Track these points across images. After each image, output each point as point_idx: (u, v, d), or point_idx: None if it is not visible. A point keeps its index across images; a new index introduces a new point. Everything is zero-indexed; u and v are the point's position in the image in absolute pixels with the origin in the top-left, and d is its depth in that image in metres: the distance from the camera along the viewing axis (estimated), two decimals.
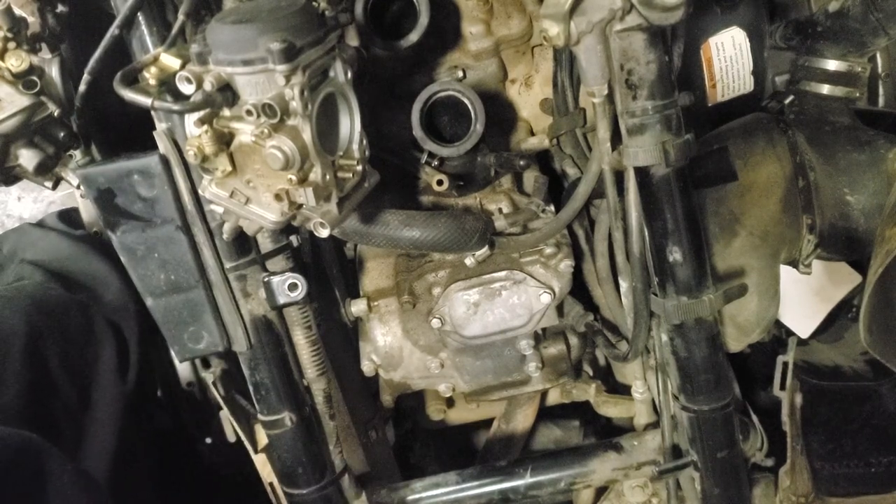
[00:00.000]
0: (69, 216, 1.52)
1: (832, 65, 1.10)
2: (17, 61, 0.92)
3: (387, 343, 1.16)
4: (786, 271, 1.10)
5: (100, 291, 1.29)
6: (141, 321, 1.26)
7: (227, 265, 0.93)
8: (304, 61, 0.75)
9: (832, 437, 1.24)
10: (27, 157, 0.96)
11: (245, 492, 1.24)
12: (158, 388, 1.40)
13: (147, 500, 1.26)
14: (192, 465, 1.38)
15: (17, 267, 1.33)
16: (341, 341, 1.25)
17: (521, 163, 1.13)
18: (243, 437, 1.06)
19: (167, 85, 0.78)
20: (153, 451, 1.31)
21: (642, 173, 0.91)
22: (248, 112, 0.74)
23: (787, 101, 1.14)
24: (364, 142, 0.87)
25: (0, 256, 1.39)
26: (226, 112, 0.77)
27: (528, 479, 1.14)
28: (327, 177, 0.79)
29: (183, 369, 1.32)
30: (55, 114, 0.94)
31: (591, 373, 1.36)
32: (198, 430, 1.36)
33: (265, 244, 0.96)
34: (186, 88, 0.75)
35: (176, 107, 0.75)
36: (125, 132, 0.99)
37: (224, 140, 0.77)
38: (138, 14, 0.84)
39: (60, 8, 0.98)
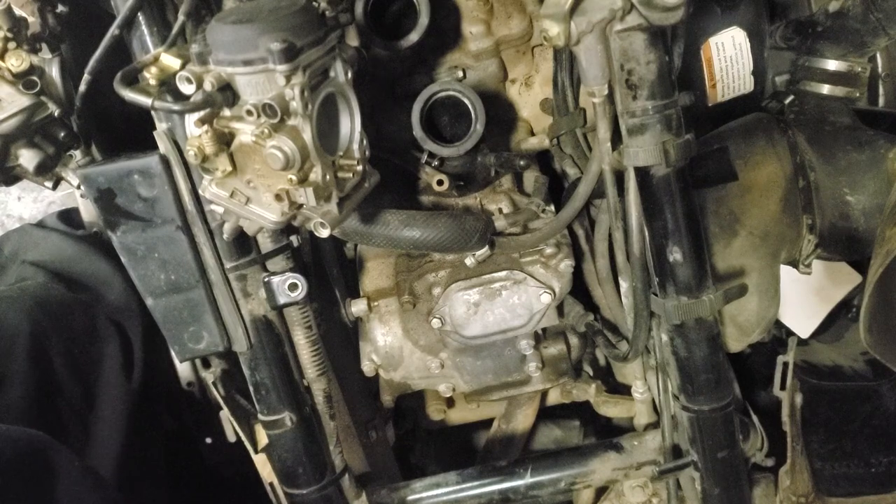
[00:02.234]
0: (69, 216, 1.52)
1: (832, 65, 1.10)
2: (17, 61, 0.92)
3: (387, 343, 1.16)
4: (786, 271, 1.10)
5: (102, 291, 1.29)
6: (144, 321, 1.26)
7: (228, 265, 0.93)
8: (305, 61, 0.75)
9: (832, 437, 1.24)
10: (27, 157, 0.96)
11: (245, 492, 1.24)
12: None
13: (154, 500, 1.26)
14: (197, 465, 1.38)
15: (18, 268, 1.33)
16: (341, 341, 1.25)
17: (521, 163, 1.13)
18: (243, 437, 1.06)
19: (167, 85, 0.78)
20: (160, 451, 1.31)
21: (642, 173, 0.91)
22: (249, 112, 0.74)
23: (787, 101, 1.14)
24: (364, 142, 0.87)
25: (1, 257, 1.39)
26: (226, 112, 0.77)
27: (528, 479, 1.14)
28: (327, 177, 0.79)
29: (183, 369, 1.32)
30: (55, 114, 0.94)
31: (591, 373, 1.36)
32: (198, 430, 1.36)
33: (265, 244, 0.96)
34: (187, 88, 0.75)
35: (176, 107, 0.75)
36: (125, 132, 0.99)
37: (224, 140, 0.77)
38: (138, 14, 0.84)
39: (60, 8, 0.98)
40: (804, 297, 1.39)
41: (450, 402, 1.39)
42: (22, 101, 0.92)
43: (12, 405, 1.06)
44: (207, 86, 0.74)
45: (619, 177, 0.94)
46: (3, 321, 1.13)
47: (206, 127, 0.76)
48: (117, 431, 1.19)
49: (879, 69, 1.32)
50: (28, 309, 1.16)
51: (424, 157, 1.09)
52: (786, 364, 1.11)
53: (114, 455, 1.17)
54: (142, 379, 1.26)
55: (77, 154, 1.00)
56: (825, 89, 1.11)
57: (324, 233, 0.81)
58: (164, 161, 0.87)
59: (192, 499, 1.37)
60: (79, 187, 1.00)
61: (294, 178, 0.76)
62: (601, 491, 1.24)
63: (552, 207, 1.14)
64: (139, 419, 1.23)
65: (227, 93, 0.76)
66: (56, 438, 0.97)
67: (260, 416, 1.03)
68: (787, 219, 1.05)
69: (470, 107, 1.06)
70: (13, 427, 0.95)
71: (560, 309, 1.17)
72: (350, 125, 0.86)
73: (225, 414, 1.07)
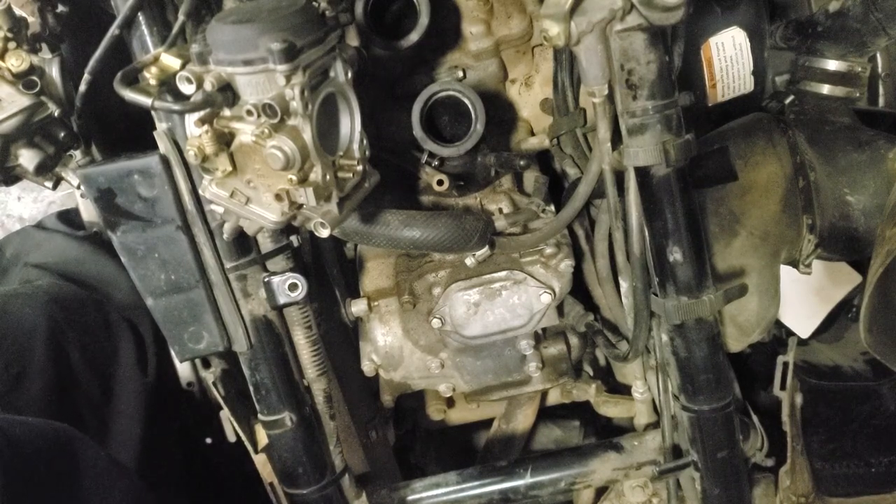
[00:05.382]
0: (69, 216, 1.52)
1: (832, 65, 1.10)
2: (17, 61, 0.91)
3: (387, 343, 1.16)
4: (786, 271, 1.10)
5: (110, 291, 1.30)
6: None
7: (228, 265, 0.93)
8: (305, 61, 0.75)
9: (832, 437, 1.24)
10: (27, 157, 0.96)
11: (245, 492, 1.24)
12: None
13: (173, 494, 1.27)
14: (198, 465, 1.38)
15: (21, 270, 1.33)
16: (341, 341, 1.25)
17: (522, 163, 1.13)
18: (243, 437, 1.06)
19: (167, 85, 0.77)
20: (176, 445, 1.32)
21: (642, 173, 0.91)
22: (249, 112, 0.74)
23: (787, 101, 1.14)
24: (364, 142, 0.87)
25: (3, 260, 1.40)
26: (226, 112, 0.77)
27: (528, 479, 1.14)
28: (328, 177, 0.79)
29: (183, 369, 1.32)
30: (55, 114, 0.94)
31: (591, 373, 1.36)
32: (198, 430, 1.37)
33: (265, 244, 0.96)
34: (187, 88, 0.75)
35: (176, 107, 0.75)
36: (125, 132, 0.99)
37: (224, 140, 0.77)
38: (138, 14, 0.84)
39: (60, 8, 0.98)
40: (804, 297, 1.39)
41: (450, 402, 1.39)
42: (22, 101, 0.92)
43: (33, 399, 1.07)
44: (207, 86, 0.74)
45: (619, 177, 0.94)
46: (20, 317, 1.14)
47: (206, 127, 0.76)
48: (135, 425, 1.20)
49: (879, 69, 1.32)
50: (43, 305, 1.17)
51: (424, 157, 1.09)
52: (786, 364, 1.11)
53: (132, 448, 1.19)
54: (156, 374, 1.27)
55: (77, 154, 1.00)
56: (825, 89, 1.11)
57: (324, 233, 0.81)
58: (164, 161, 0.87)
59: (193, 498, 1.37)
60: (79, 187, 1.00)
61: (294, 178, 0.76)
62: (601, 491, 1.24)
63: (552, 207, 1.14)
64: (155, 413, 1.24)
65: (227, 93, 0.76)
66: None
67: (260, 416, 1.03)
68: (787, 219, 1.05)
69: (470, 107, 1.06)
70: (38, 419, 0.96)
71: (560, 309, 1.17)
72: (350, 125, 0.86)
73: (225, 414, 1.07)
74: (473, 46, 1.13)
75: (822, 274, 1.38)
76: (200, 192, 0.85)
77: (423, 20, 1.04)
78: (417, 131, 1.06)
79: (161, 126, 0.87)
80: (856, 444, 1.22)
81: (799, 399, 1.14)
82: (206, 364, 1.11)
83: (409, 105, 1.07)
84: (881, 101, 1.33)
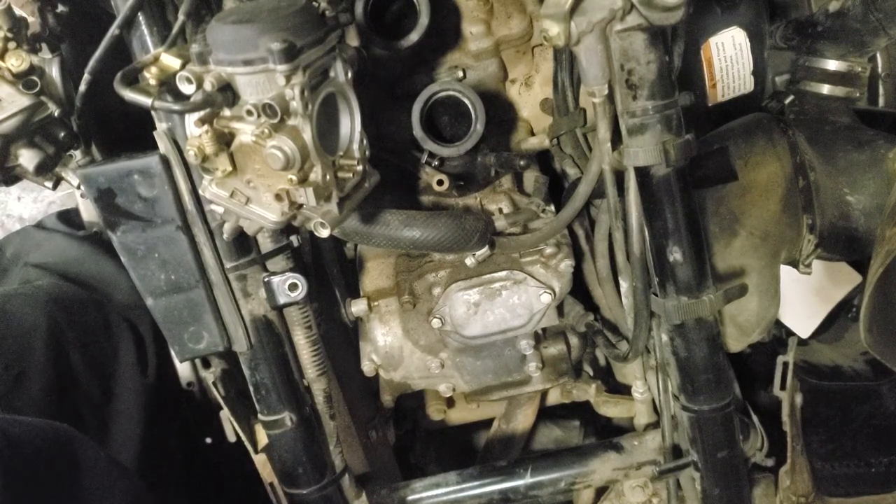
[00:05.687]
0: (69, 216, 1.52)
1: (832, 65, 1.10)
2: (17, 61, 0.92)
3: (387, 343, 1.16)
4: (786, 271, 1.10)
5: (110, 291, 1.30)
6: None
7: (228, 265, 0.93)
8: (305, 61, 0.75)
9: (832, 437, 1.24)
10: (27, 157, 0.96)
11: (245, 492, 1.24)
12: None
13: (173, 494, 1.27)
14: (197, 465, 1.38)
15: (21, 270, 1.33)
16: (341, 341, 1.25)
17: (521, 163, 1.13)
18: (243, 437, 1.06)
19: (167, 85, 0.77)
20: (176, 445, 1.32)
21: (643, 173, 0.91)
22: (249, 112, 0.74)
23: (787, 101, 1.14)
24: (364, 142, 0.87)
25: (3, 260, 1.40)
26: (226, 112, 0.77)
27: (528, 479, 1.14)
28: (328, 177, 0.79)
29: (183, 369, 1.32)
30: (55, 114, 0.94)
31: (591, 373, 1.36)
32: (198, 430, 1.37)
33: (265, 244, 0.96)
34: (187, 88, 0.75)
35: (176, 107, 0.75)
36: (125, 132, 0.99)
37: (224, 140, 0.77)
38: (138, 14, 0.84)
39: (60, 8, 0.98)
40: (804, 297, 1.39)
41: (450, 402, 1.39)
42: (22, 101, 0.92)
43: (33, 399, 1.08)
44: (207, 86, 0.74)
45: (619, 177, 0.94)
46: (20, 317, 1.14)
47: (206, 127, 0.76)
48: (135, 425, 1.20)
49: (879, 69, 1.32)
50: (43, 305, 1.17)
51: (424, 157, 1.09)
52: (786, 364, 1.11)
53: (132, 448, 1.19)
54: (156, 374, 1.27)
55: (77, 154, 1.00)
56: (825, 89, 1.11)
57: (324, 233, 0.81)
58: (164, 161, 0.87)
59: (193, 498, 1.37)
60: (79, 187, 1.00)
61: (294, 178, 0.76)
62: (601, 491, 1.24)
63: (552, 207, 1.14)
64: (155, 413, 1.24)
65: (227, 93, 0.76)
66: None
67: (260, 416, 1.03)
68: (787, 219, 1.05)
69: (470, 107, 1.06)
70: (38, 420, 0.96)
71: (560, 309, 1.17)
72: (350, 125, 0.86)
73: (225, 414, 1.07)
74: (473, 46, 1.13)
75: (822, 274, 1.38)
76: (200, 192, 0.85)
77: (423, 20, 1.04)
78: (417, 131, 1.06)
79: (161, 126, 0.87)
80: (856, 444, 1.22)
81: (799, 399, 1.14)
82: (206, 364, 1.11)
83: (409, 105, 1.07)
84: (881, 101, 1.33)
